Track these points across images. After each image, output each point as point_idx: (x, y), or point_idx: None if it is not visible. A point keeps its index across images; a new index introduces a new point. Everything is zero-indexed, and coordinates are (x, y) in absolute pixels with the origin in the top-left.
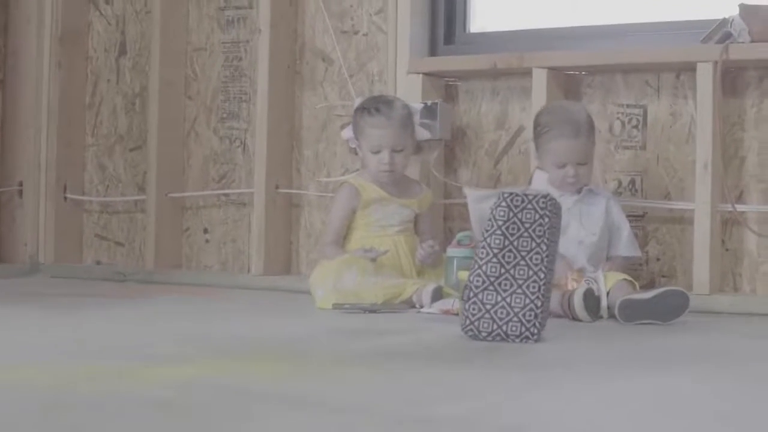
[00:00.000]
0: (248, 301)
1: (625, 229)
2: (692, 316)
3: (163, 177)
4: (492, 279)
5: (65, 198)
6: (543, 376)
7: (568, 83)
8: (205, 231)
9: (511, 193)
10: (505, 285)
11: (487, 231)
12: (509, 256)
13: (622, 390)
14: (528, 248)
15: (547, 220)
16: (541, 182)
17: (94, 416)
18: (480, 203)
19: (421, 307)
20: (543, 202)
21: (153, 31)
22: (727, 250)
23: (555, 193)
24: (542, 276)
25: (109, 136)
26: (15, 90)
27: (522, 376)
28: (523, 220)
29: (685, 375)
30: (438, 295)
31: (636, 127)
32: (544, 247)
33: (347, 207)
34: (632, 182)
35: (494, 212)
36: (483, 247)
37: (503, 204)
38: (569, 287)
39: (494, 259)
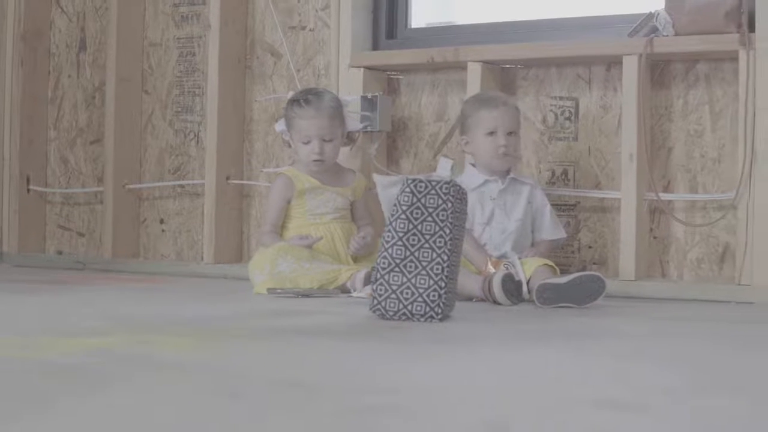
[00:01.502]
0: (193, 288)
1: (548, 213)
2: (616, 301)
3: (121, 169)
4: (397, 261)
5: (28, 190)
6: (430, 349)
7: (504, 76)
8: (161, 221)
9: (414, 180)
10: (410, 267)
11: (392, 215)
12: (414, 240)
13: (495, 361)
14: (431, 232)
15: (450, 204)
16: (445, 169)
17: None
18: (388, 189)
19: (354, 291)
20: (446, 188)
21: (110, 27)
22: (655, 238)
23: (486, 178)
24: (445, 258)
25: (70, 129)
26: None
27: (410, 348)
28: (427, 205)
29: (559, 349)
30: (369, 279)
31: (569, 119)
32: (447, 231)
33: (282, 197)
34: (565, 172)
35: (399, 198)
36: (389, 231)
37: (407, 190)
38: (488, 273)
39: (399, 243)
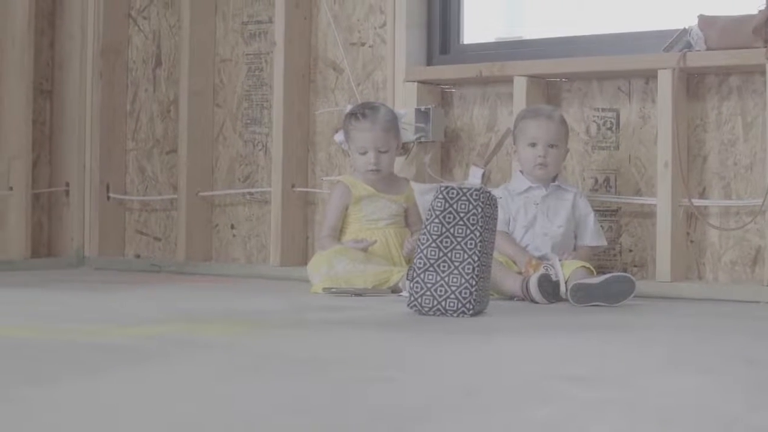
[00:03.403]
0: (257, 288)
1: (591, 220)
2: (649, 300)
3: (194, 177)
4: (432, 261)
5: (108, 197)
6: (447, 337)
7: (549, 89)
8: (232, 227)
9: (447, 187)
10: (444, 266)
11: (427, 220)
12: (447, 242)
13: (515, 346)
14: (463, 234)
15: (480, 209)
16: (476, 177)
17: (48, 355)
18: (424, 195)
19: (404, 290)
20: (476, 194)
21: (183, 44)
22: (692, 241)
23: (530, 184)
24: (476, 258)
25: (147, 140)
26: (62, 100)
27: (432, 337)
28: (458, 210)
29: (583, 338)
30: None
31: (610, 129)
32: (478, 234)
33: (340, 203)
34: (607, 180)
35: (433, 203)
36: (424, 234)
37: (440, 196)
38: (529, 273)
39: (433, 244)
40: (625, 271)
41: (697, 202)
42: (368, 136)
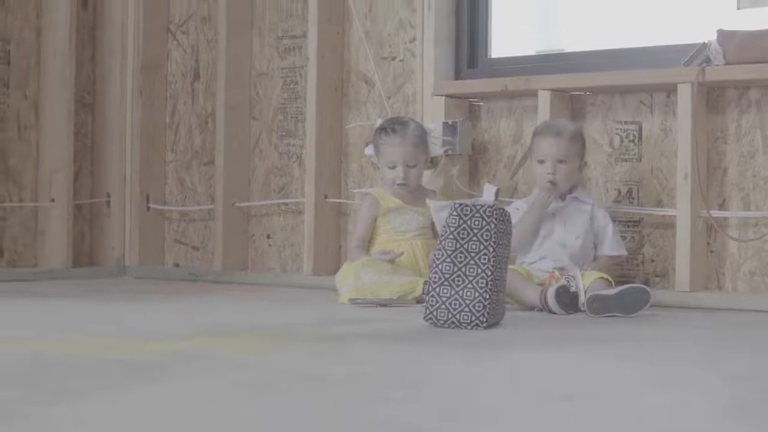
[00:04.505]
0: (289, 298)
1: (609, 231)
2: (667, 310)
3: (231, 188)
4: (447, 276)
5: (148, 208)
6: (464, 352)
7: (574, 102)
8: (268, 236)
9: (461, 204)
10: (458, 281)
11: (442, 236)
12: (461, 257)
13: (522, 361)
14: (476, 250)
15: (493, 226)
16: (489, 194)
17: (75, 370)
18: (440, 212)
19: None
20: (489, 211)
21: (219, 58)
22: (712, 252)
23: (544, 207)
24: (489, 273)
25: (186, 152)
26: (103, 113)
27: (446, 350)
28: (472, 226)
29: (587, 352)
30: None
31: (633, 141)
32: (491, 249)
33: (369, 215)
34: (630, 191)
35: (447, 220)
36: (439, 249)
37: (454, 213)
38: (550, 284)
39: (448, 260)
40: (647, 280)
41: (716, 213)
42: (397, 151)
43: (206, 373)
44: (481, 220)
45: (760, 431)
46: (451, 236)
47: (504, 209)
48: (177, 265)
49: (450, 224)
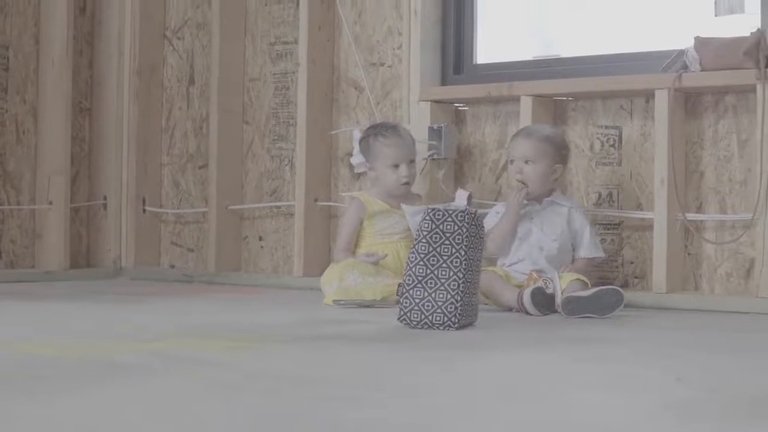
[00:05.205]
0: (277, 299)
1: (587, 233)
2: (643, 311)
3: (224, 191)
4: (420, 278)
5: (144, 210)
6: (428, 353)
7: (556, 108)
8: (260, 238)
9: (434, 209)
10: (431, 283)
11: (416, 239)
12: (433, 260)
13: (480, 362)
14: (449, 253)
15: (464, 230)
16: (461, 199)
17: (51, 370)
18: (414, 216)
19: None
20: (461, 216)
21: (213, 64)
22: (689, 254)
23: (517, 205)
24: (461, 276)
25: (181, 156)
26: (100, 117)
27: (418, 352)
28: (444, 230)
29: (558, 353)
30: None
31: (613, 146)
32: (463, 252)
33: (355, 218)
34: (610, 195)
35: (421, 224)
36: (413, 253)
37: (427, 218)
38: (527, 286)
39: (421, 263)
40: (626, 282)
41: (693, 216)
42: (399, 150)
43: (182, 373)
44: (453, 224)
45: (689, 430)
46: (424, 240)
47: (476, 214)
48: (172, 267)
49: (423, 228)
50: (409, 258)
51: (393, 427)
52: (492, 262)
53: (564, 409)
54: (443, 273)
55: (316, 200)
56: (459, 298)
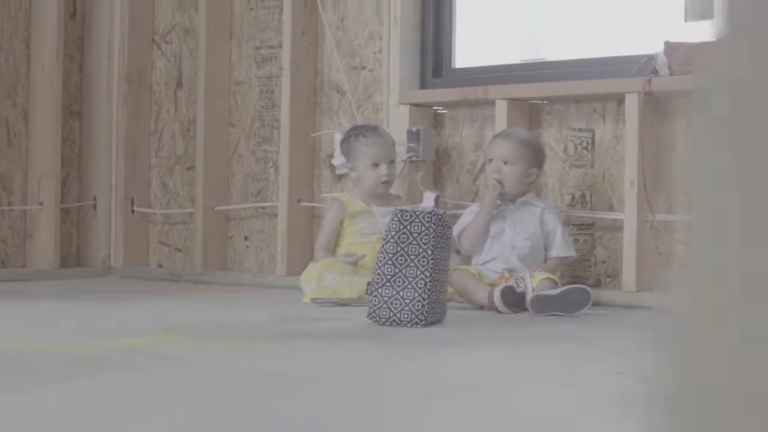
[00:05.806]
0: (258, 298)
1: (559, 233)
2: (612, 310)
3: (210, 192)
4: (388, 277)
5: (133, 211)
6: (393, 349)
7: (532, 111)
8: (246, 238)
9: (402, 210)
10: (399, 282)
11: (384, 239)
12: (401, 260)
13: (443, 359)
14: (416, 253)
15: (431, 230)
16: (429, 200)
17: (33, 367)
18: (384, 217)
19: None
20: (428, 217)
21: (200, 67)
22: (660, 254)
23: (499, 200)
24: (428, 275)
25: (169, 157)
26: (90, 119)
27: (385, 349)
28: (412, 231)
29: (516, 350)
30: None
31: (586, 148)
32: (430, 252)
33: (336, 218)
34: (583, 196)
35: (389, 225)
36: (381, 252)
37: (395, 219)
38: (498, 284)
39: (390, 262)
40: (598, 281)
41: (662, 217)
42: (380, 149)
43: (143, 370)
44: (420, 225)
45: (610, 423)
46: (392, 240)
47: (443, 215)
48: (160, 266)
49: (391, 229)
50: (378, 257)
51: (336, 421)
52: (467, 260)
53: (509, 403)
54: (411, 272)
55: (299, 201)
56: (426, 296)
